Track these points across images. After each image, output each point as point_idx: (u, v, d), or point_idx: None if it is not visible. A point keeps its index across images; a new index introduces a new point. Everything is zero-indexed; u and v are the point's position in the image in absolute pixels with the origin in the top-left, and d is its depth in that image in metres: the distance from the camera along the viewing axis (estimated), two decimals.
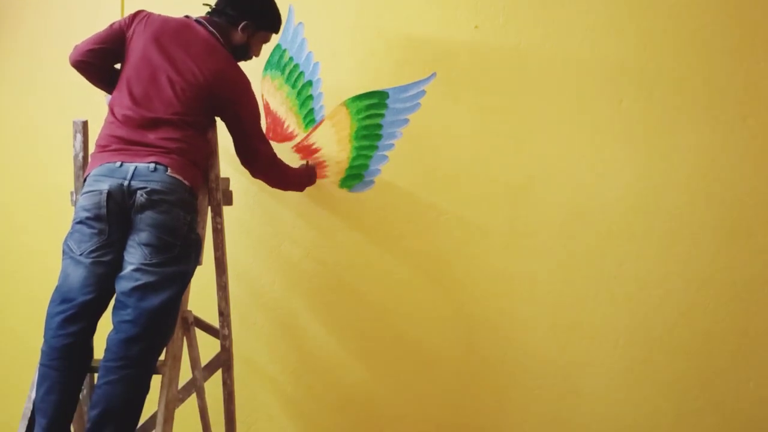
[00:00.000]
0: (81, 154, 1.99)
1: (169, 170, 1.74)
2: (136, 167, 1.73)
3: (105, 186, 1.71)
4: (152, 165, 1.73)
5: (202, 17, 1.99)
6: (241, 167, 2.43)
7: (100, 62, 1.91)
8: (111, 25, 1.93)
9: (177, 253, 1.72)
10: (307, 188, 2.35)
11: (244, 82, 1.95)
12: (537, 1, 2.31)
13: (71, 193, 2.07)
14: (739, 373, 2.21)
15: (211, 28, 1.95)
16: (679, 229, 2.24)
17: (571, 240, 2.29)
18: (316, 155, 2.34)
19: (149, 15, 1.93)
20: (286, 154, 2.38)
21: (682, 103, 2.23)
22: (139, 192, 1.70)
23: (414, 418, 2.40)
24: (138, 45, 1.87)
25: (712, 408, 2.22)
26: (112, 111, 1.85)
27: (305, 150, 2.36)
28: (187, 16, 1.98)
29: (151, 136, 1.78)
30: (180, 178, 1.75)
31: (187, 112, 1.82)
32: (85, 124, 2.00)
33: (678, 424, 2.24)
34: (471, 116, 2.34)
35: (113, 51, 1.90)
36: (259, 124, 2.05)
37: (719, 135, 2.21)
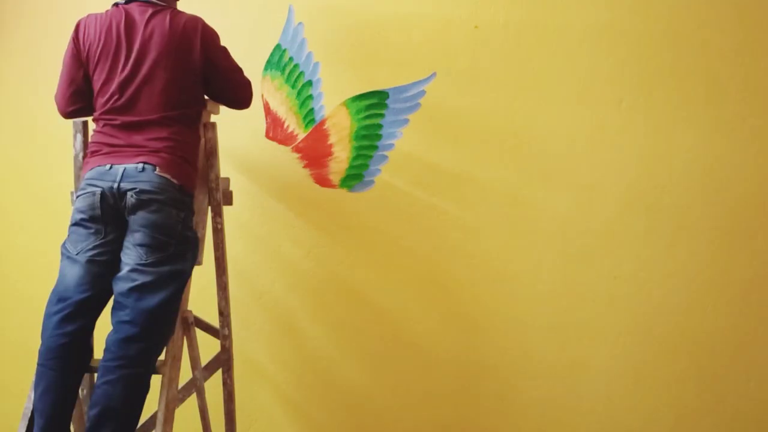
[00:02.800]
0: (81, 154, 1.99)
1: (157, 169, 1.74)
2: (125, 169, 1.73)
3: (98, 188, 1.72)
4: (140, 165, 1.74)
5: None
6: (242, 167, 2.43)
7: (86, 101, 1.90)
8: (64, 61, 1.90)
9: (172, 252, 1.72)
10: (308, 188, 2.35)
11: (201, 21, 1.93)
12: (537, 1, 2.31)
13: (71, 193, 2.07)
14: (739, 373, 2.21)
15: (158, 3, 1.90)
16: (679, 229, 2.24)
17: (571, 240, 2.29)
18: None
19: (86, 23, 1.88)
20: (285, 154, 2.38)
21: (682, 102, 2.23)
22: (129, 193, 1.70)
23: (414, 418, 2.40)
24: (95, 58, 1.84)
25: (712, 408, 2.22)
26: (97, 123, 1.85)
27: (304, 150, 2.35)
28: (115, 4, 1.91)
29: (139, 138, 1.79)
30: (168, 176, 1.75)
31: (168, 107, 1.81)
32: (85, 124, 2.00)
33: (678, 424, 2.24)
34: (471, 116, 2.35)
35: (87, 80, 1.88)
36: (231, 56, 2.03)
37: (719, 135, 2.21)
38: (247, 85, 2.08)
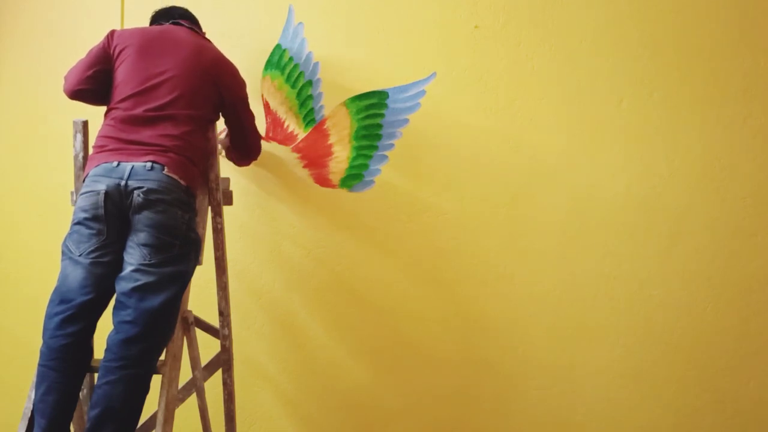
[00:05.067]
0: (81, 154, 1.99)
1: (165, 169, 1.74)
2: (132, 166, 1.73)
3: (102, 186, 1.71)
4: (149, 164, 1.73)
5: (175, 21, 2.06)
6: (241, 167, 2.43)
7: (98, 86, 1.92)
8: (90, 51, 1.95)
9: (176, 253, 1.72)
10: (308, 188, 2.36)
11: (235, 68, 2.05)
12: (537, 1, 2.31)
13: (71, 193, 2.07)
14: (739, 373, 2.21)
15: (192, 26, 2.04)
16: (679, 229, 2.24)
17: (571, 240, 2.29)
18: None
19: (123, 30, 1.97)
20: (285, 154, 2.38)
21: (682, 103, 2.23)
22: (136, 192, 1.70)
23: (414, 418, 2.40)
24: (126, 56, 1.88)
25: (712, 408, 2.22)
26: (108, 116, 1.85)
27: (304, 150, 2.36)
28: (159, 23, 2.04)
29: (149, 134, 1.78)
30: (176, 177, 1.75)
31: (188, 105, 1.83)
32: (85, 124, 2.00)
33: (678, 424, 2.24)
34: (471, 116, 2.35)
35: (106, 71, 1.91)
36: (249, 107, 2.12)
37: (719, 135, 2.21)
38: (255, 135, 2.15)
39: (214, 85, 1.92)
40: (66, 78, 1.95)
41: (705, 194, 2.22)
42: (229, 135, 2.13)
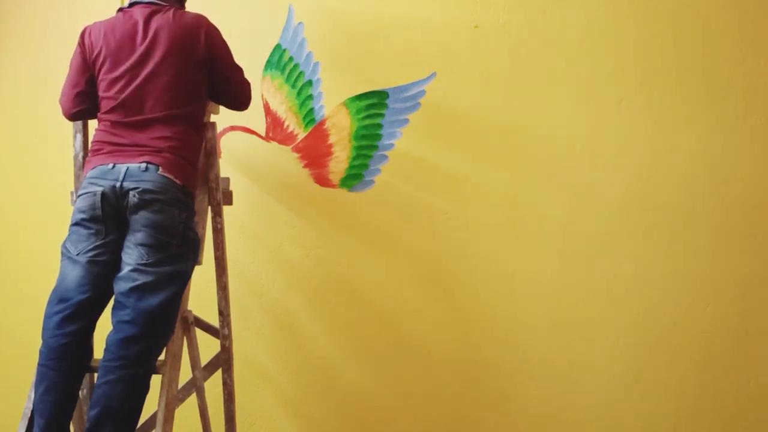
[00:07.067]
0: (81, 154, 1.99)
1: (160, 169, 1.74)
2: (127, 168, 1.73)
3: (99, 188, 1.72)
4: (143, 165, 1.73)
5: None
6: (242, 167, 2.43)
7: (91, 103, 1.90)
8: (71, 63, 1.92)
9: (174, 252, 1.72)
10: (308, 188, 2.36)
11: (201, 33, 1.90)
12: (537, 2, 2.31)
13: (71, 193, 2.07)
14: (739, 373, 2.21)
15: (161, 3, 1.91)
16: (679, 229, 2.24)
17: (571, 240, 2.29)
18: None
19: (92, 28, 1.90)
20: (285, 154, 2.38)
21: (682, 102, 2.23)
22: (131, 192, 1.70)
23: (413, 418, 2.40)
24: (99, 64, 1.85)
25: (712, 408, 2.22)
26: (101, 121, 1.85)
27: (305, 150, 2.35)
28: (120, 9, 1.93)
29: (142, 136, 1.78)
30: (171, 177, 1.75)
31: (171, 105, 1.81)
32: (85, 124, 2.00)
33: (678, 424, 2.24)
34: (471, 116, 2.34)
35: (92, 80, 1.89)
36: (232, 55, 2.02)
37: (719, 135, 2.21)
38: (245, 84, 2.07)
39: (191, 71, 1.86)
40: (60, 102, 1.94)
41: (705, 194, 2.22)
42: (223, 94, 2.03)
